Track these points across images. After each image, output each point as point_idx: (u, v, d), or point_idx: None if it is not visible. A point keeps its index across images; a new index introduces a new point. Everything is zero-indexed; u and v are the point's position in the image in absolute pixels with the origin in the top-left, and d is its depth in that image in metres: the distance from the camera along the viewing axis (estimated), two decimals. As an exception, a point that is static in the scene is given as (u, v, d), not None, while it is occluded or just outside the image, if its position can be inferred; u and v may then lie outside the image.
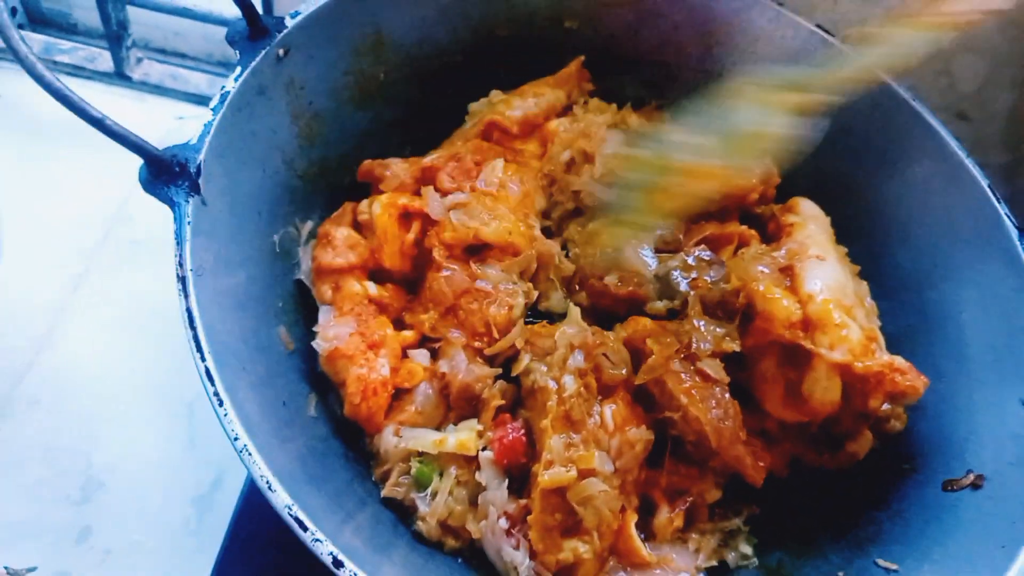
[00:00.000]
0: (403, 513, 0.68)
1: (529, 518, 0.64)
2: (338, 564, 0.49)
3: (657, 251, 0.81)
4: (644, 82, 0.96)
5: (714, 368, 0.68)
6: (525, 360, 0.69)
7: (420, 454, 0.69)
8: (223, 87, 0.66)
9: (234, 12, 0.68)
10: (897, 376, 0.67)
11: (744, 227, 0.84)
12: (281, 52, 0.71)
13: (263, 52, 0.69)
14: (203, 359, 0.53)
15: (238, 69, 0.67)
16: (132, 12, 1.22)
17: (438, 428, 0.71)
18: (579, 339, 0.68)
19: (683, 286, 0.76)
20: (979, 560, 0.60)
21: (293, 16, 0.72)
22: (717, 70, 0.93)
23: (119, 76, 1.26)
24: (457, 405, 0.70)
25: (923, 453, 0.73)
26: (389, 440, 0.69)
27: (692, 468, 0.70)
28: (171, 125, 1.23)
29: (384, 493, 0.68)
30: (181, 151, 0.61)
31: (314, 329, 0.73)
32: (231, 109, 0.66)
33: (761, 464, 0.68)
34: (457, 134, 0.89)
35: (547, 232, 0.84)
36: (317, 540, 0.49)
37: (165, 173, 0.59)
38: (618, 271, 0.78)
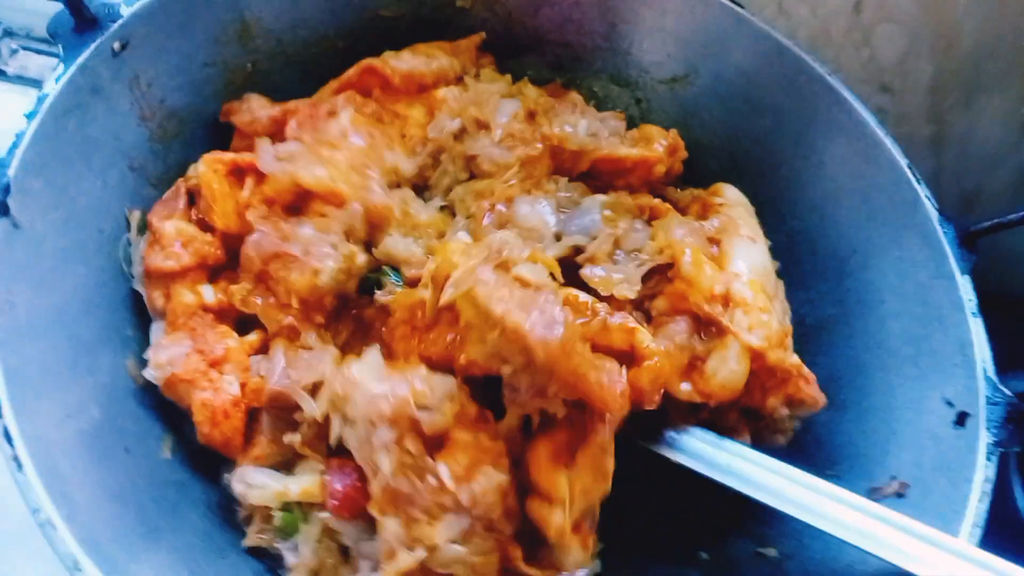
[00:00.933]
0: (272, 561, 0.61)
1: None
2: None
3: (560, 210, 0.72)
4: (547, 64, 0.89)
5: (534, 271, 0.58)
6: (336, 429, 0.59)
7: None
8: (41, 90, 0.57)
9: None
10: (803, 383, 0.63)
11: (658, 199, 0.77)
12: (117, 46, 0.63)
13: (92, 46, 0.60)
14: (0, 416, 0.46)
15: (60, 67, 0.59)
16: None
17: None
18: (376, 410, 0.56)
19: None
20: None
21: (129, 3, 0.63)
22: (623, 49, 0.87)
23: (-10, 70, 1.15)
24: (275, 421, 0.62)
25: (847, 457, 0.69)
26: (238, 488, 0.61)
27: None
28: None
29: (245, 542, 0.61)
30: (-16, 167, 0.52)
31: (144, 355, 0.63)
32: (53, 115, 0.57)
33: (616, 386, 0.56)
34: (333, 82, 0.79)
35: (420, 195, 0.75)
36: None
37: (-38, 194, 0.51)
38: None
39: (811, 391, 0.64)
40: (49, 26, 0.61)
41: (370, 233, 0.68)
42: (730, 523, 0.68)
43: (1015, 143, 1.02)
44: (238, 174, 0.68)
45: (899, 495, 0.62)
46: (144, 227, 0.66)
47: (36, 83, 1.18)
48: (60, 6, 0.60)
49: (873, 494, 0.62)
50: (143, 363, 0.62)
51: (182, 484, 0.60)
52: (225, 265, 0.67)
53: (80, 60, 0.60)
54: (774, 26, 0.81)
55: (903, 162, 0.74)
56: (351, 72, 0.77)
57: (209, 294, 0.65)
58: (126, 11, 0.63)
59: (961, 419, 0.62)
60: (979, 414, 0.61)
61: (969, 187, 1.08)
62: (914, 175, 0.73)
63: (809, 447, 0.70)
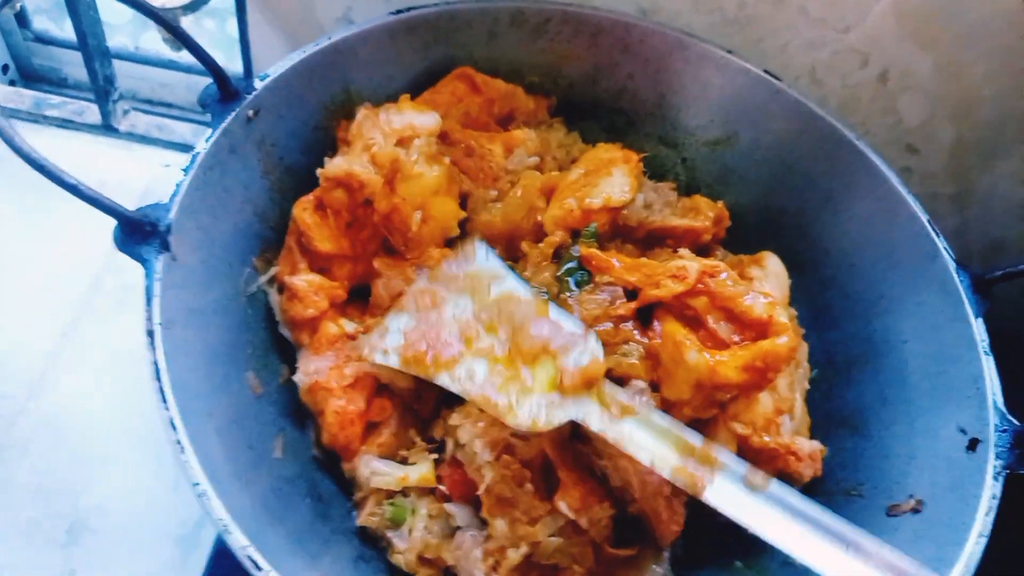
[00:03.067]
0: (373, 544, 0.72)
1: None
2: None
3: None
4: (603, 128, 1.00)
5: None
6: (450, 447, 0.73)
7: (390, 495, 0.73)
8: (194, 148, 0.70)
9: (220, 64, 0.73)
10: (791, 459, 0.71)
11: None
12: (251, 113, 0.75)
13: (233, 114, 0.73)
14: (166, 408, 0.57)
15: (209, 131, 0.72)
16: (119, 66, 1.28)
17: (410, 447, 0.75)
18: (472, 434, 0.70)
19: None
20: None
21: (262, 78, 0.77)
22: (672, 116, 0.98)
23: (106, 128, 1.31)
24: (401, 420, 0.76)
25: (869, 479, 0.77)
26: (362, 471, 0.74)
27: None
28: (157, 172, 1.28)
29: (359, 521, 0.72)
30: (152, 211, 0.65)
31: (296, 365, 0.77)
32: (202, 168, 0.70)
33: (675, 527, 0.71)
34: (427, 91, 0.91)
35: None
36: (272, 578, 0.53)
37: (137, 233, 0.63)
38: None
39: (799, 467, 0.72)
40: (200, 97, 0.74)
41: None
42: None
43: (1034, 200, 1.10)
44: (322, 208, 0.80)
45: (915, 511, 0.69)
46: (272, 281, 0.81)
47: (142, 139, 1.34)
48: (209, 80, 0.73)
49: (892, 510, 0.70)
50: (258, 378, 0.75)
51: (291, 480, 0.71)
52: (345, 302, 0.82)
53: (224, 125, 0.73)
54: (807, 95, 0.91)
55: (923, 217, 0.82)
56: (448, 77, 0.90)
57: (349, 326, 0.78)
58: (259, 84, 0.76)
59: (973, 444, 0.69)
60: (989, 440, 0.68)
61: (994, 239, 1.16)
62: (933, 228, 0.82)
63: (835, 471, 0.78)
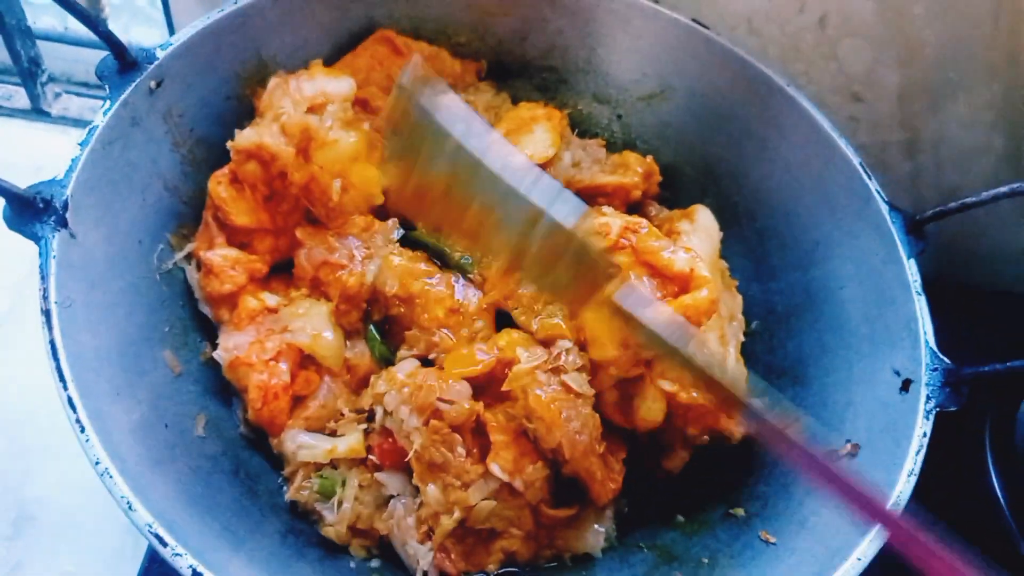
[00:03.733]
0: (304, 519, 0.71)
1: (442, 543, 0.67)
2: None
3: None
4: (535, 86, 0.98)
5: (578, 382, 0.70)
6: (379, 415, 0.71)
7: (318, 467, 0.71)
8: (91, 122, 0.67)
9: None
10: (722, 416, 0.70)
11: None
12: (153, 84, 0.72)
13: (132, 85, 0.70)
14: (65, 388, 0.55)
15: (106, 103, 0.69)
16: (50, 48, 1.23)
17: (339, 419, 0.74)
18: (399, 400, 0.69)
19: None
20: (849, 525, 0.62)
21: (164, 47, 0.73)
22: (604, 71, 0.96)
23: (37, 112, 1.27)
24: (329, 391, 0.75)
25: (809, 427, 0.76)
26: (289, 445, 0.72)
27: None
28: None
29: (288, 496, 0.71)
30: (46, 187, 0.62)
31: (217, 341, 0.76)
32: (100, 143, 0.67)
33: (611, 485, 0.70)
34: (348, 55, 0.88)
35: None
36: (176, 554, 0.51)
37: (29, 210, 0.61)
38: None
39: (731, 425, 0.72)
40: (97, 69, 0.70)
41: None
42: (703, 489, 0.76)
43: (983, 142, 1.08)
44: (238, 182, 0.77)
45: (852, 455, 0.69)
46: (189, 257, 0.78)
47: (77, 122, 1.30)
48: (106, 52, 0.70)
49: (830, 455, 0.69)
50: (177, 357, 0.72)
51: (213, 457, 0.69)
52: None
53: (123, 97, 0.70)
54: (744, 45, 0.89)
55: (855, 160, 0.81)
56: (367, 41, 0.87)
57: (272, 300, 0.76)
58: (161, 54, 0.73)
59: (905, 385, 0.69)
60: (921, 380, 0.68)
61: (948, 184, 1.14)
62: (865, 171, 0.80)
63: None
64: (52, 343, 0.57)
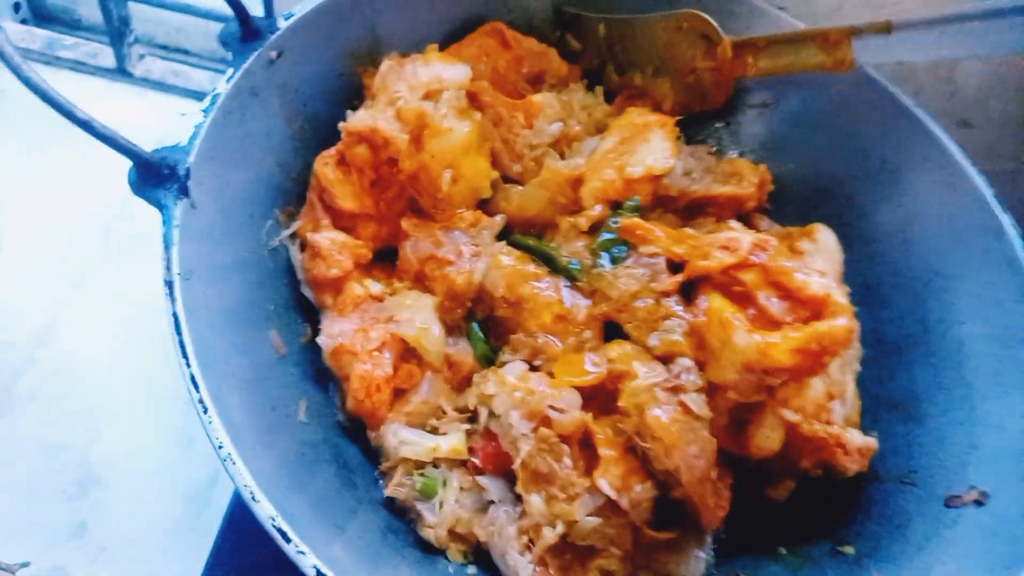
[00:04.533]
0: (400, 516, 0.69)
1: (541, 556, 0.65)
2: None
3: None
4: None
5: (698, 403, 0.67)
6: (483, 417, 0.69)
7: (419, 466, 0.70)
8: (214, 89, 0.66)
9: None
10: (839, 451, 0.67)
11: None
12: (273, 55, 0.71)
13: (255, 54, 0.69)
14: (188, 365, 0.53)
15: (230, 71, 0.67)
16: (134, 8, 1.23)
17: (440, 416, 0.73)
18: (509, 405, 0.67)
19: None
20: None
21: (287, 18, 0.72)
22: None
23: (121, 72, 1.27)
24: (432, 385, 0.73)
25: (924, 467, 0.72)
26: (390, 440, 0.70)
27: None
28: (173, 121, 1.24)
29: (387, 492, 0.69)
30: (171, 153, 0.61)
31: (319, 327, 0.74)
32: (222, 112, 0.65)
33: (720, 512, 0.67)
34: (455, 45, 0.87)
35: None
36: (301, 552, 0.49)
37: (154, 176, 0.59)
38: None
39: (845, 461, 0.68)
40: (220, 35, 0.69)
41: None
42: (810, 521, 0.72)
43: (1096, 180, 1.04)
44: (345, 164, 0.76)
45: (978, 503, 0.65)
46: (294, 236, 0.77)
47: (158, 85, 1.29)
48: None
49: (951, 501, 0.66)
50: (282, 337, 0.71)
51: (315, 444, 0.67)
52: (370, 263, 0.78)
53: (245, 65, 0.68)
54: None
55: (988, 192, 0.77)
56: (476, 32, 0.85)
57: (375, 287, 0.74)
58: (283, 24, 0.71)
59: (1045, 434, 0.65)
60: (1062, 430, 0.64)
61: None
62: (999, 203, 0.77)
63: (886, 457, 0.74)
64: (175, 316, 0.55)
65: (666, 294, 0.71)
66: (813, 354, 0.64)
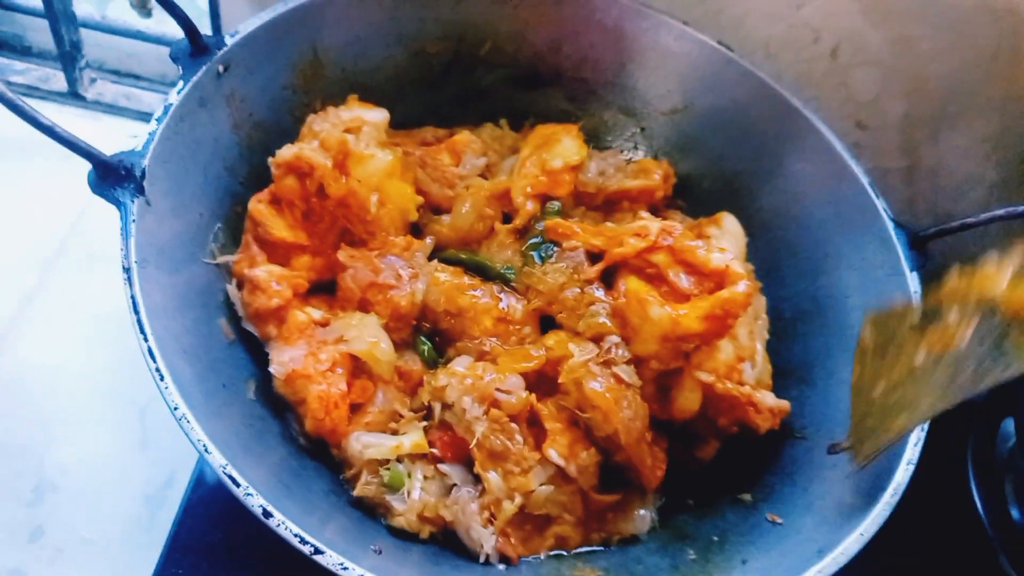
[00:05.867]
0: (368, 513, 0.74)
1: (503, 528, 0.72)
2: (267, 515, 0.55)
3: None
4: (565, 96, 1.04)
5: (628, 373, 0.75)
6: (437, 411, 0.75)
7: (383, 463, 0.74)
8: (167, 99, 0.72)
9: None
10: (750, 409, 0.76)
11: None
12: (221, 68, 0.77)
13: (204, 68, 0.75)
14: (146, 339, 0.59)
15: (181, 83, 0.73)
16: (85, 34, 1.27)
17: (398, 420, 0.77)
18: (461, 391, 0.73)
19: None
20: (850, 509, 0.68)
21: (232, 35, 0.78)
22: (631, 85, 1.02)
23: (73, 95, 1.31)
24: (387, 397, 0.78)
25: (813, 423, 0.82)
26: (354, 446, 0.74)
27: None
28: (124, 143, 1.27)
29: (356, 492, 0.73)
30: (127, 156, 0.67)
31: (268, 356, 0.76)
32: (174, 119, 0.72)
33: (658, 472, 0.76)
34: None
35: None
36: (248, 494, 0.55)
37: (112, 176, 0.65)
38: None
39: (757, 418, 0.77)
40: (172, 51, 0.75)
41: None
42: (711, 475, 0.81)
43: (977, 172, 1.14)
44: (278, 203, 0.81)
45: (851, 449, 0.74)
46: (231, 276, 0.80)
47: (109, 108, 1.33)
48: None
49: (832, 449, 0.74)
50: (232, 325, 0.77)
51: (264, 418, 0.73)
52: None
53: (195, 78, 0.74)
54: (761, 68, 0.95)
55: (865, 180, 0.88)
56: None
57: (317, 313, 0.78)
58: (229, 40, 0.78)
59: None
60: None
61: (941, 210, 1.20)
62: (873, 190, 0.87)
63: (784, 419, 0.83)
64: (133, 298, 0.61)
65: (589, 282, 0.80)
66: (718, 318, 0.73)
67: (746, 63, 0.95)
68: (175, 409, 0.57)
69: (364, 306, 0.79)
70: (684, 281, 0.76)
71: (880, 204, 0.86)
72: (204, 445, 0.55)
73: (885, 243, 0.84)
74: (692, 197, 0.99)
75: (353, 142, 0.80)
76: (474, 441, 0.71)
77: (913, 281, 0.80)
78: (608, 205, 0.95)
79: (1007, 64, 1.00)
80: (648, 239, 0.77)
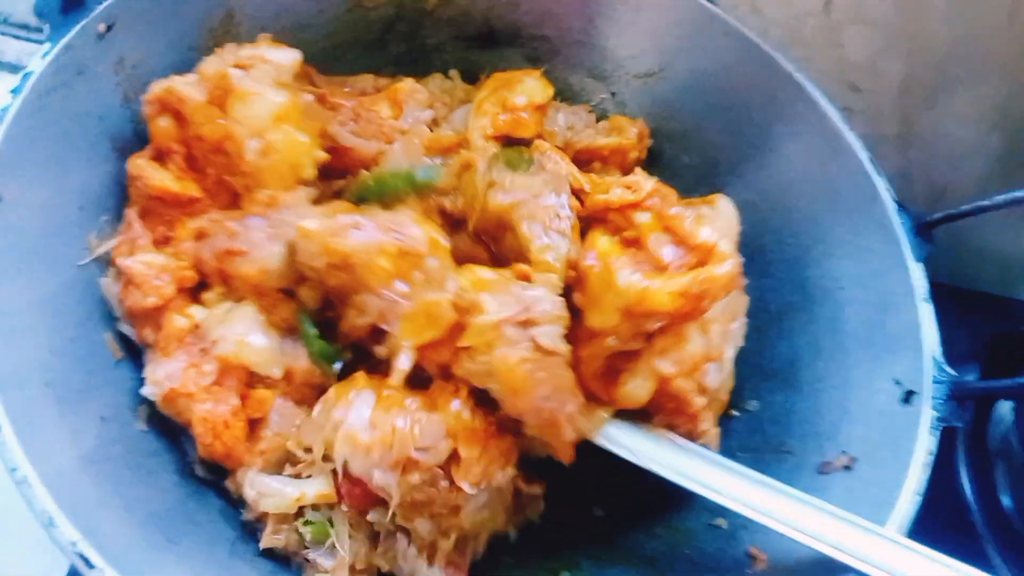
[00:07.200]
0: (282, 562, 0.64)
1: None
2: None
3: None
4: (526, 56, 0.92)
5: (551, 337, 0.62)
6: (339, 463, 0.62)
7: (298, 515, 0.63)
8: (26, 67, 0.59)
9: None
10: (685, 419, 0.68)
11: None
12: (102, 28, 0.64)
13: (78, 27, 0.62)
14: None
15: (47, 45, 0.61)
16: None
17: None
18: (368, 465, 0.60)
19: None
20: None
21: (116, -14, 0.65)
22: (601, 44, 0.90)
23: None
24: (283, 417, 0.64)
25: (801, 434, 0.72)
26: (249, 492, 0.62)
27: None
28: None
29: (263, 544, 0.62)
30: (-36, 140, 0.54)
31: (142, 375, 0.64)
32: (36, 92, 0.59)
33: (570, 451, 0.64)
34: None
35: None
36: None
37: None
38: None
39: (690, 425, 0.67)
40: (36, 6, 0.62)
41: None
42: (683, 499, 0.71)
43: (979, 141, 1.04)
44: (159, 159, 0.68)
45: (847, 468, 0.66)
46: (106, 265, 0.67)
47: (13, 67, 1.19)
48: None
49: (823, 468, 0.66)
50: (119, 339, 0.65)
51: (157, 453, 0.62)
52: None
53: (65, 40, 0.61)
54: (746, 24, 0.84)
55: (864, 155, 0.77)
56: None
57: (201, 314, 0.64)
58: (111, -6, 0.65)
59: (908, 397, 0.65)
60: (924, 392, 0.64)
61: (937, 183, 1.11)
62: (874, 168, 0.76)
63: (764, 424, 0.74)
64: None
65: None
66: (693, 297, 0.62)
67: (730, 19, 0.84)
68: (14, 470, 0.45)
69: (228, 283, 0.65)
70: (664, 251, 0.64)
71: (881, 184, 0.75)
72: (49, 516, 0.44)
73: (885, 229, 0.74)
74: (668, 172, 0.87)
75: (237, 77, 0.66)
76: (393, 504, 0.60)
77: (917, 274, 0.70)
78: (577, 164, 0.83)
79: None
80: (637, 194, 0.66)
